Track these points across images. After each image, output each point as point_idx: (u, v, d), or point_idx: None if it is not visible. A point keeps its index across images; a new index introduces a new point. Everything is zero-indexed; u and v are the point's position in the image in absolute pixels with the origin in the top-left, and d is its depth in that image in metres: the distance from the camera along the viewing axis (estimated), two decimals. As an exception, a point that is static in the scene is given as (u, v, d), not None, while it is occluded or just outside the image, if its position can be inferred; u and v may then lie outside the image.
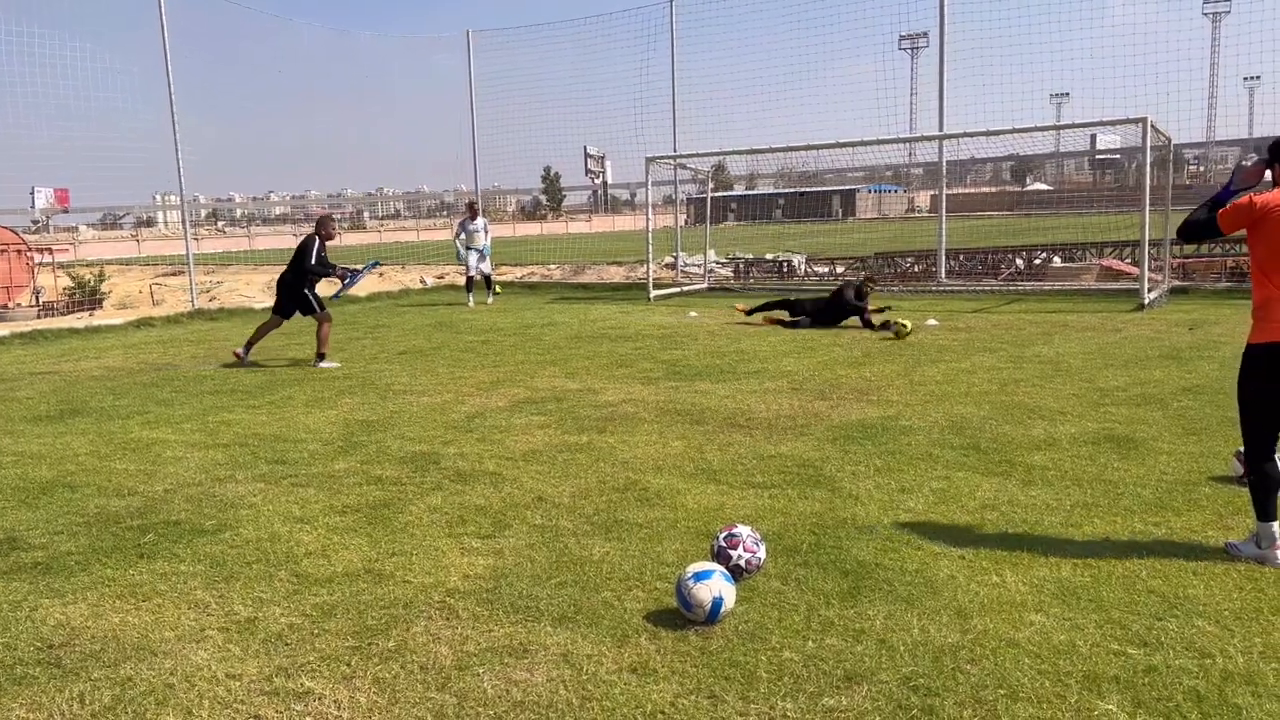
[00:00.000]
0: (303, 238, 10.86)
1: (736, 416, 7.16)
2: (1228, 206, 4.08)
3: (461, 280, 18.54)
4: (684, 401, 7.78)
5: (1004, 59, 18.91)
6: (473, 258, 17.43)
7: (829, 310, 12.60)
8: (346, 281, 11.27)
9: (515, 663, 3.31)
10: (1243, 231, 4.12)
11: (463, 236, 17.55)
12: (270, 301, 11.43)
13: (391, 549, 4.50)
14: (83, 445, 6.88)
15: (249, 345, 10.82)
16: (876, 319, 12.25)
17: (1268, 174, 4.07)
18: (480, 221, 17.57)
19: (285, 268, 10.77)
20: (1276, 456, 4.02)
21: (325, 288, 11.16)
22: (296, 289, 10.60)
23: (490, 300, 17.69)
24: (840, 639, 3.40)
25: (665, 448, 6.29)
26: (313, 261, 10.46)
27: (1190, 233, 4.25)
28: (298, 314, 10.77)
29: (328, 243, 10.67)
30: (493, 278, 18.19)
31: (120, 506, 5.31)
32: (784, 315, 12.99)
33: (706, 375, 9.03)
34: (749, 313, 13.41)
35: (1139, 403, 7.15)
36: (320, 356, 10.52)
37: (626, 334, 12.52)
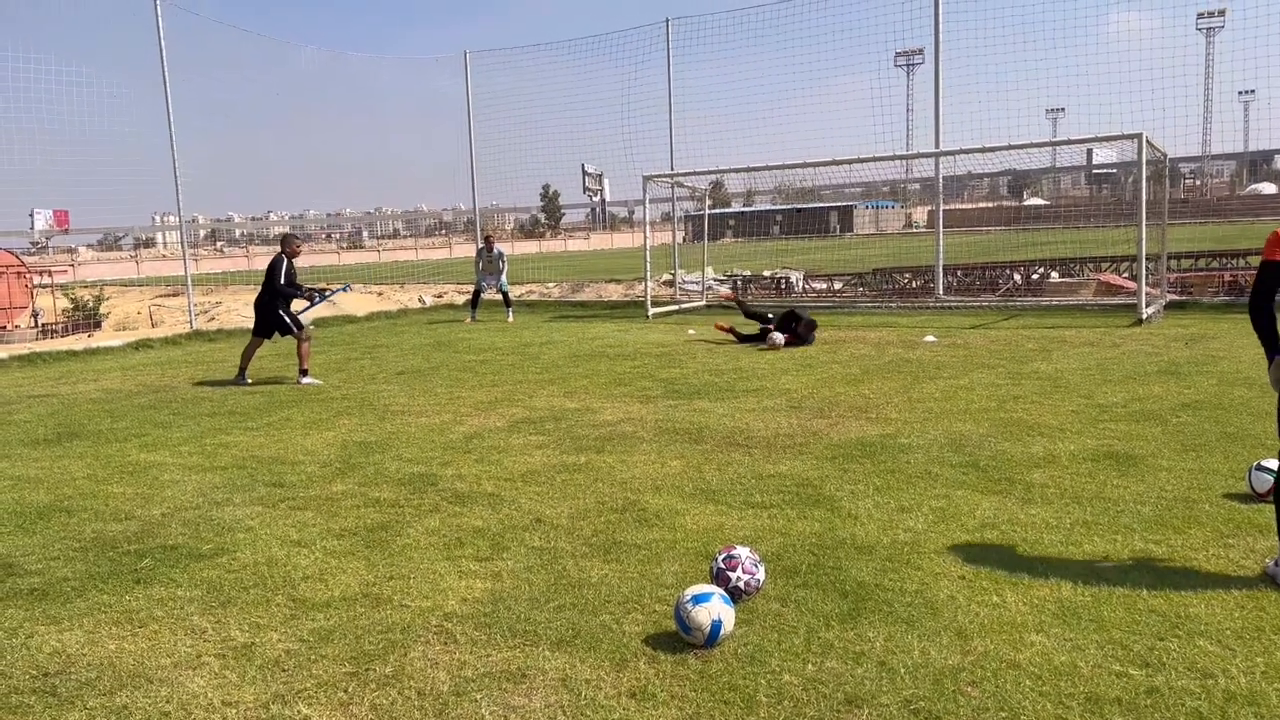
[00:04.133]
0: (271, 257, 11.00)
1: (735, 435, 7.14)
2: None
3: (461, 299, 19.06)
4: (682, 420, 7.77)
5: (1000, 75, 19.02)
6: (494, 279, 18.37)
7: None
8: (315, 301, 11.40)
9: (513, 688, 3.29)
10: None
11: (481, 266, 18.40)
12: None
13: (389, 572, 4.48)
14: (80, 469, 6.86)
15: (242, 371, 10.91)
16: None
17: None
18: (497, 250, 18.36)
19: (260, 289, 10.92)
20: None
21: (299, 305, 11.27)
22: (271, 309, 10.74)
23: (510, 318, 18.05)
24: (840, 661, 3.38)
25: (664, 467, 6.28)
26: (282, 281, 10.62)
27: (1254, 306, 3.99)
28: (278, 334, 10.92)
29: (294, 259, 10.83)
30: (510, 295, 18.72)
31: (117, 531, 5.29)
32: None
33: (705, 393, 9.03)
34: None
35: (1138, 419, 7.14)
36: (303, 373, 10.67)
37: (625, 352, 12.52)
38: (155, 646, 3.76)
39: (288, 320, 10.73)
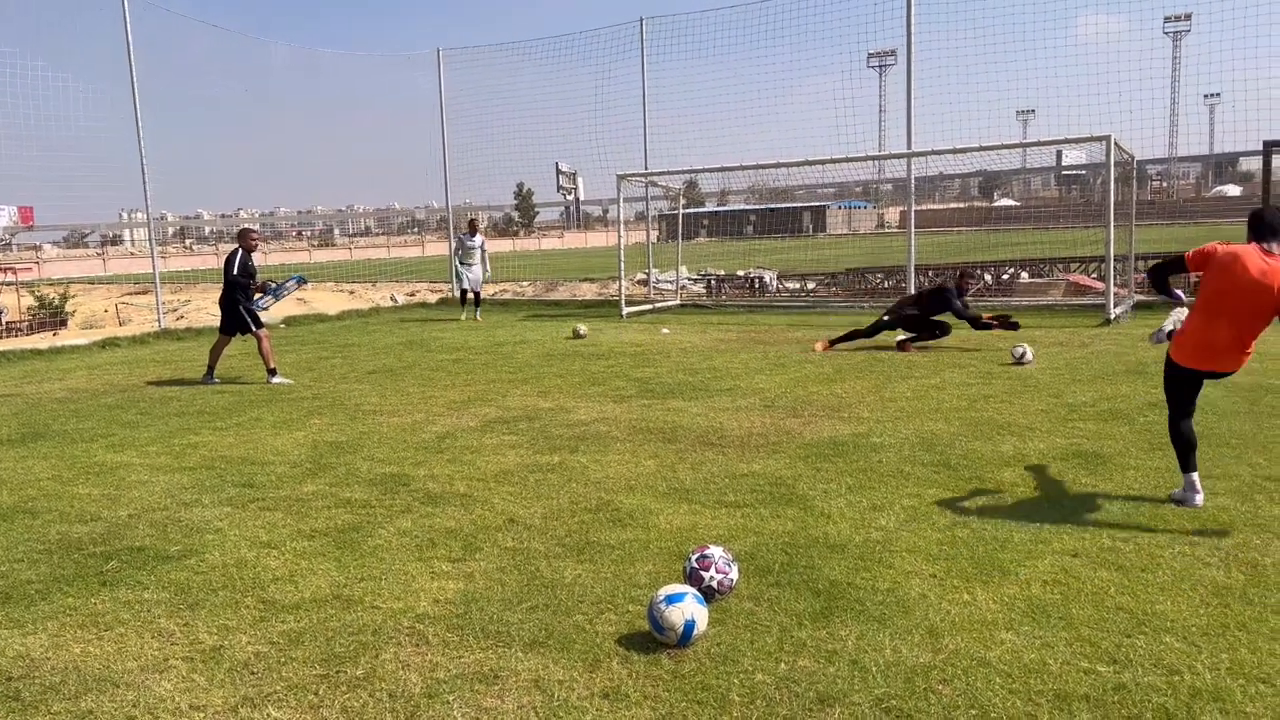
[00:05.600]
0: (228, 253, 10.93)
1: (709, 434, 7.15)
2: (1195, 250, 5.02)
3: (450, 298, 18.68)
4: (656, 419, 7.77)
5: (971, 76, 19.16)
6: (474, 272, 17.67)
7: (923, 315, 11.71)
8: (271, 290, 11.27)
9: (485, 689, 3.28)
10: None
11: (460, 253, 17.80)
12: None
13: (360, 574, 4.45)
14: (44, 469, 6.75)
15: (210, 370, 10.81)
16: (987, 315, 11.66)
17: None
18: (479, 239, 17.78)
19: (222, 286, 10.84)
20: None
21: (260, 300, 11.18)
22: (230, 305, 10.65)
23: (479, 317, 17.71)
24: (812, 660, 3.39)
25: (638, 467, 6.27)
26: (235, 272, 10.51)
27: (1158, 272, 5.32)
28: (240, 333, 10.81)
29: (251, 253, 10.72)
30: (481, 295, 18.28)
31: (82, 533, 5.22)
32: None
33: (679, 393, 9.03)
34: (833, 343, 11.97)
35: (1106, 418, 7.23)
36: (271, 372, 10.57)
37: (599, 351, 12.50)
38: (121, 650, 3.70)
39: (246, 318, 10.61)
